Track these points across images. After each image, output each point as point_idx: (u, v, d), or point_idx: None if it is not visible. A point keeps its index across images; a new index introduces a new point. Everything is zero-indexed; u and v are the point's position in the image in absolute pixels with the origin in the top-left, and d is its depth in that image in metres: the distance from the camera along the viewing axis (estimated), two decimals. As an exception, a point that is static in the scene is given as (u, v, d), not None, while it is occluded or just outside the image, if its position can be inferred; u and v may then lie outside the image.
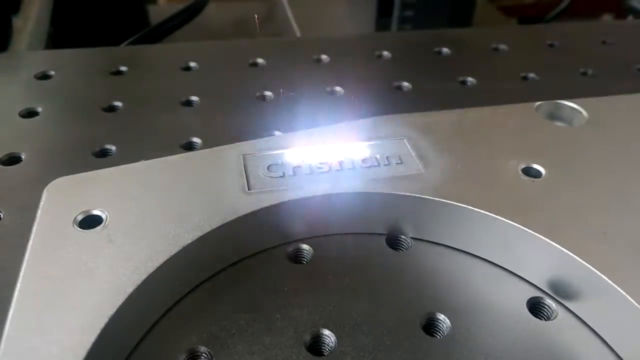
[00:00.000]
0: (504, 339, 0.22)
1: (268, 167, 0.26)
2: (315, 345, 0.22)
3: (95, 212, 0.24)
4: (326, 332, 0.22)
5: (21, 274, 0.21)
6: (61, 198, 0.24)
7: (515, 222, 0.24)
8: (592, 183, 0.26)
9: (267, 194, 0.25)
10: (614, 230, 0.23)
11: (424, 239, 0.27)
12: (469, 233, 0.25)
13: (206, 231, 0.23)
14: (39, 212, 0.24)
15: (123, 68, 0.42)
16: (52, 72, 0.41)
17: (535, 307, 0.24)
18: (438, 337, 0.22)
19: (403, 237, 0.27)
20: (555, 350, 0.22)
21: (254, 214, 0.24)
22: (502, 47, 0.47)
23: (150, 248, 0.22)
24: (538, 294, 0.24)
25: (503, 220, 0.24)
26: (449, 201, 0.25)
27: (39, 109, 0.37)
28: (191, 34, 0.58)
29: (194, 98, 0.39)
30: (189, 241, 0.23)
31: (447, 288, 0.24)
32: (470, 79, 0.42)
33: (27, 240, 0.22)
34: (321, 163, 0.27)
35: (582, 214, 0.24)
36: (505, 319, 0.23)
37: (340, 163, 0.27)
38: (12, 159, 0.32)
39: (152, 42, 0.52)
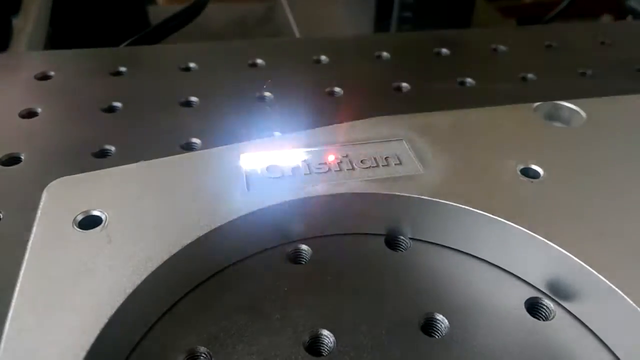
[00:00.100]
0: (502, 339, 0.22)
1: (267, 168, 0.27)
2: (314, 345, 0.22)
3: (95, 212, 0.24)
4: (325, 332, 0.22)
5: (21, 274, 0.21)
6: (61, 198, 0.25)
7: (513, 222, 0.24)
8: (591, 184, 0.26)
9: (266, 195, 0.25)
10: (612, 231, 0.23)
11: (422, 239, 0.27)
12: (467, 234, 0.25)
13: (205, 231, 0.23)
14: (39, 212, 0.24)
15: (122, 69, 0.42)
16: (52, 73, 0.41)
17: (534, 308, 0.24)
18: (436, 337, 0.22)
19: (402, 237, 0.27)
20: (553, 350, 0.22)
21: (253, 214, 0.24)
22: (501, 47, 0.47)
23: (150, 248, 0.22)
24: (536, 294, 0.24)
25: (501, 221, 0.24)
26: (447, 202, 0.25)
27: (39, 110, 0.37)
28: (190, 35, 0.58)
29: (194, 98, 0.39)
30: (189, 241, 0.23)
31: (445, 288, 0.24)
32: (469, 80, 0.42)
33: (27, 241, 0.22)
34: (320, 164, 0.27)
35: (580, 214, 0.24)
36: (504, 319, 0.23)
37: (339, 164, 0.27)
38: (12, 159, 0.32)
39: (152, 43, 0.52)
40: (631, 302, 0.20)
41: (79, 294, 0.20)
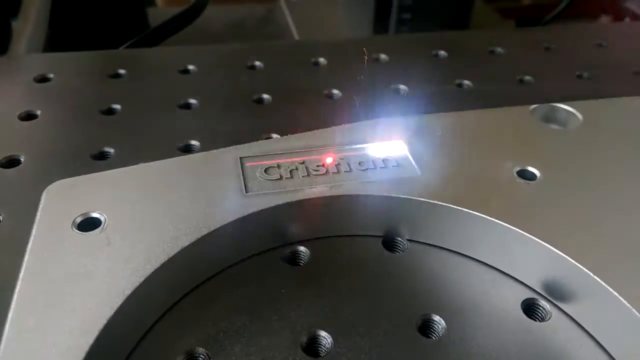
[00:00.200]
0: (499, 339, 0.23)
1: (265, 170, 0.27)
2: (311, 346, 0.22)
3: (94, 214, 0.24)
4: (323, 333, 0.22)
5: (21, 275, 0.21)
6: (60, 200, 0.25)
7: (510, 224, 0.24)
8: (587, 185, 0.26)
9: (265, 197, 0.25)
10: (607, 233, 0.24)
11: (420, 241, 0.27)
12: (464, 235, 0.25)
13: (204, 233, 0.23)
14: (38, 214, 0.24)
15: (122, 71, 0.43)
16: (51, 75, 0.42)
17: (530, 308, 0.24)
18: (433, 338, 0.23)
19: (399, 239, 0.27)
20: (549, 350, 0.22)
21: (251, 216, 0.24)
22: (499, 50, 0.48)
23: (149, 250, 0.22)
24: (532, 295, 0.24)
25: (498, 223, 0.24)
26: (444, 203, 0.25)
27: (38, 112, 0.37)
28: (189, 37, 0.58)
29: (192, 101, 0.39)
30: (187, 243, 0.23)
31: (442, 289, 0.25)
32: (466, 82, 0.42)
33: (27, 242, 0.23)
34: (318, 166, 0.27)
35: (576, 216, 0.24)
36: (500, 320, 0.23)
37: (337, 166, 0.27)
38: (12, 162, 0.32)
39: (151, 45, 0.52)
40: (626, 302, 0.20)
41: (78, 296, 0.20)
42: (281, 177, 0.26)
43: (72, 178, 0.26)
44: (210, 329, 0.23)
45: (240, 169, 0.27)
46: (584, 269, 0.22)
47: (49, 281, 0.21)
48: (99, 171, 0.27)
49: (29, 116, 0.37)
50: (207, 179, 0.26)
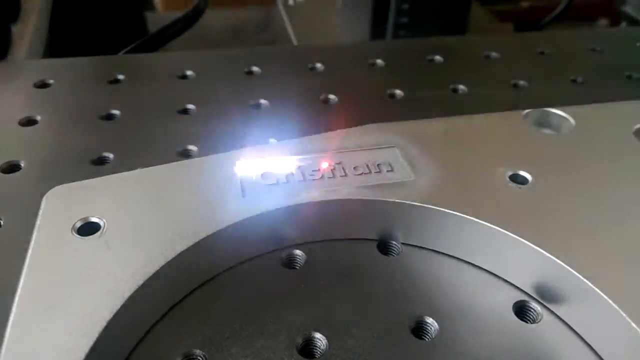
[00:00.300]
0: (491, 341, 0.23)
1: (262, 175, 0.27)
2: (307, 348, 0.23)
3: (94, 219, 0.24)
4: (318, 335, 0.23)
5: (22, 279, 0.22)
6: (60, 205, 0.25)
7: (501, 228, 0.24)
8: (577, 189, 0.27)
9: (261, 201, 0.26)
10: (598, 237, 0.24)
11: (413, 244, 0.27)
12: (457, 239, 0.26)
13: (202, 237, 0.24)
14: (39, 219, 0.24)
15: (120, 76, 0.43)
16: (51, 81, 0.42)
17: (521, 311, 0.24)
18: (426, 339, 0.23)
19: (393, 242, 0.27)
20: (539, 351, 0.23)
21: (248, 220, 0.25)
22: (494, 55, 0.48)
23: (147, 254, 0.23)
24: (524, 297, 0.25)
25: (490, 226, 0.25)
26: (437, 208, 0.26)
27: (38, 118, 0.38)
28: (188, 41, 0.58)
29: (191, 106, 0.39)
30: (185, 247, 0.23)
31: (435, 292, 0.25)
32: (461, 87, 0.43)
33: (27, 247, 0.23)
34: (314, 171, 0.28)
35: (566, 220, 0.25)
36: (492, 322, 0.24)
37: (333, 171, 0.28)
38: (12, 167, 0.33)
39: (150, 51, 0.52)
40: (614, 304, 0.21)
41: (78, 298, 0.21)
42: (278, 182, 0.27)
43: (72, 183, 0.26)
44: (207, 331, 0.23)
45: (238, 174, 0.27)
46: (574, 272, 0.22)
47: (49, 284, 0.21)
48: (98, 176, 0.27)
49: (29, 122, 0.37)
50: (205, 184, 0.27)
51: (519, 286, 0.25)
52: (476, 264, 0.26)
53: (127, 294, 0.21)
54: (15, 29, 0.54)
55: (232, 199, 0.26)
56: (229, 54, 0.48)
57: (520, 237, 0.24)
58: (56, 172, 0.32)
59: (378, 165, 0.28)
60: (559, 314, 0.24)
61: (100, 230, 0.24)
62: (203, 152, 0.34)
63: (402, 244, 0.27)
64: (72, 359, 0.19)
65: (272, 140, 0.35)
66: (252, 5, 0.89)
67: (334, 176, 0.27)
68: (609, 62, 0.48)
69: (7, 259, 0.26)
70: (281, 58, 0.48)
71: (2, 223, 0.28)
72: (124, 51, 0.51)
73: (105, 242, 0.23)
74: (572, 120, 0.32)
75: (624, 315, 0.21)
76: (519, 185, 0.27)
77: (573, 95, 0.42)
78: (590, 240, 0.24)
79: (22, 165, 0.33)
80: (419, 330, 0.23)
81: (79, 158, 0.34)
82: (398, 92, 0.42)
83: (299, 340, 0.23)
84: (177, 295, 0.24)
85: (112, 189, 0.26)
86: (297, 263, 0.27)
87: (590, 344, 0.23)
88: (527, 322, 0.24)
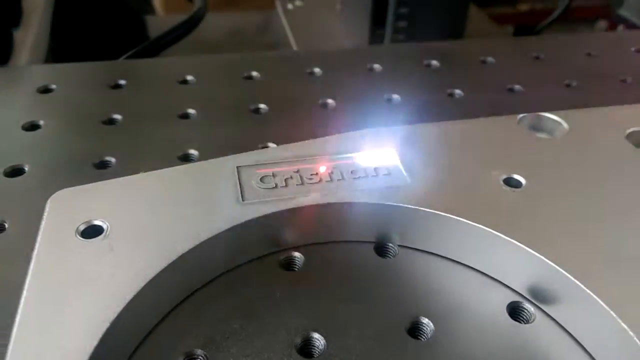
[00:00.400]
0: (485, 340, 0.23)
1: (261, 179, 0.28)
2: (305, 348, 0.23)
3: (97, 222, 0.25)
4: (316, 335, 0.23)
5: (27, 282, 0.22)
6: (64, 209, 0.26)
7: (495, 230, 0.25)
8: (570, 193, 0.27)
9: (260, 204, 0.26)
10: (590, 239, 0.24)
11: (410, 246, 0.28)
12: (452, 241, 0.26)
13: (202, 240, 0.24)
14: (43, 222, 0.25)
15: (122, 82, 0.44)
16: (54, 86, 0.43)
17: (515, 311, 0.25)
18: (422, 340, 0.24)
19: (390, 245, 0.28)
20: (533, 351, 0.23)
21: (247, 223, 0.25)
22: (490, 59, 0.49)
23: (149, 256, 0.23)
24: (518, 298, 0.25)
25: (484, 229, 0.25)
26: (433, 211, 0.26)
27: (41, 122, 0.38)
28: (188, 44, 0.59)
29: (191, 111, 0.40)
30: (186, 249, 0.24)
31: (431, 293, 0.26)
32: (457, 91, 0.43)
33: (32, 250, 0.23)
34: (312, 174, 0.28)
35: (559, 222, 0.25)
36: (486, 322, 0.24)
37: (330, 174, 0.28)
38: (16, 171, 0.33)
39: (151, 56, 0.53)
40: (605, 306, 0.21)
41: (82, 300, 0.21)
42: (276, 186, 0.27)
43: (75, 187, 0.27)
44: (208, 332, 0.23)
45: (237, 178, 0.28)
46: (566, 274, 0.23)
47: (54, 287, 0.22)
48: (101, 180, 0.27)
49: (32, 126, 0.38)
50: (206, 188, 0.27)
51: (513, 287, 0.26)
52: (471, 266, 0.27)
53: (129, 296, 0.22)
54: (17, 34, 0.54)
55: (232, 202, 0.26)
56: (229, 59, 0.49)
57: (513, 239, 0.24)
58: (59, 176, 0.33)
59: (375, 169, 0.28)
60: (551, 314, 0.24)
61: (104, 233, 0.24)
62: (203, 156, 0.34)
63: (399, 246, 0.28)
64: (77, 359, 0.19)
65: (271, 145, 0.35)
66: (252, 9, 0.89)
67: (331, 180, 0.28)
68: (603, 67, 0.48)
69: (12, 261, 0.26)
70: (280, 63, 0.49)
71: (7, 226, 0.29)
72: (125, 56, 0.51)
73: (108, 244, 0.24)
74: (565, 125, 0.33)
75: (614, 315, 0.21)
76: (513, 189, 0.27)
77: (567, 99, 0.43)
78: (582, 243, 0.24)
79: (26, 169, 0.33)
80: (415, 330, 0.24)
81: (82, 162, 0.34)
82: (395, 96, 0.42)
83: (298, 340, 0.23)
84: (179, 296, 0.25)
85: (115, 192, 0.27)
86: (296, 265, 0.27)
87: (582, 343, 0.23)
88: (520, 323, 0.24)
